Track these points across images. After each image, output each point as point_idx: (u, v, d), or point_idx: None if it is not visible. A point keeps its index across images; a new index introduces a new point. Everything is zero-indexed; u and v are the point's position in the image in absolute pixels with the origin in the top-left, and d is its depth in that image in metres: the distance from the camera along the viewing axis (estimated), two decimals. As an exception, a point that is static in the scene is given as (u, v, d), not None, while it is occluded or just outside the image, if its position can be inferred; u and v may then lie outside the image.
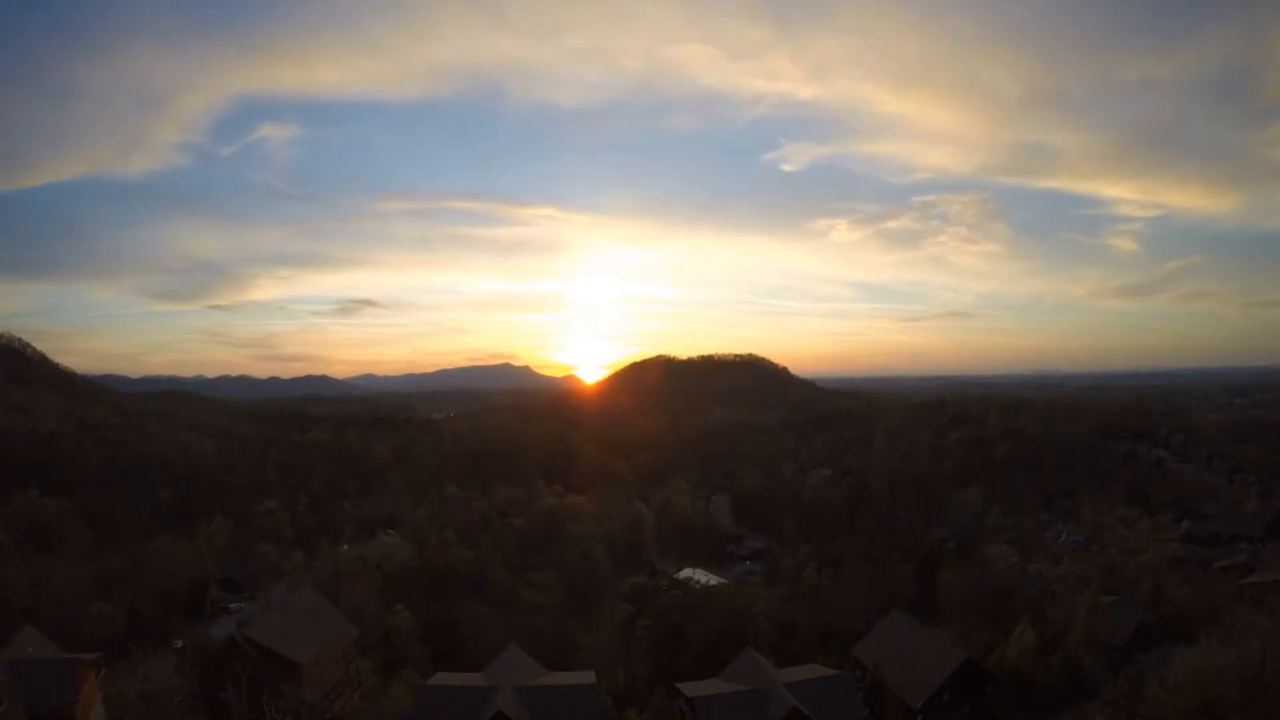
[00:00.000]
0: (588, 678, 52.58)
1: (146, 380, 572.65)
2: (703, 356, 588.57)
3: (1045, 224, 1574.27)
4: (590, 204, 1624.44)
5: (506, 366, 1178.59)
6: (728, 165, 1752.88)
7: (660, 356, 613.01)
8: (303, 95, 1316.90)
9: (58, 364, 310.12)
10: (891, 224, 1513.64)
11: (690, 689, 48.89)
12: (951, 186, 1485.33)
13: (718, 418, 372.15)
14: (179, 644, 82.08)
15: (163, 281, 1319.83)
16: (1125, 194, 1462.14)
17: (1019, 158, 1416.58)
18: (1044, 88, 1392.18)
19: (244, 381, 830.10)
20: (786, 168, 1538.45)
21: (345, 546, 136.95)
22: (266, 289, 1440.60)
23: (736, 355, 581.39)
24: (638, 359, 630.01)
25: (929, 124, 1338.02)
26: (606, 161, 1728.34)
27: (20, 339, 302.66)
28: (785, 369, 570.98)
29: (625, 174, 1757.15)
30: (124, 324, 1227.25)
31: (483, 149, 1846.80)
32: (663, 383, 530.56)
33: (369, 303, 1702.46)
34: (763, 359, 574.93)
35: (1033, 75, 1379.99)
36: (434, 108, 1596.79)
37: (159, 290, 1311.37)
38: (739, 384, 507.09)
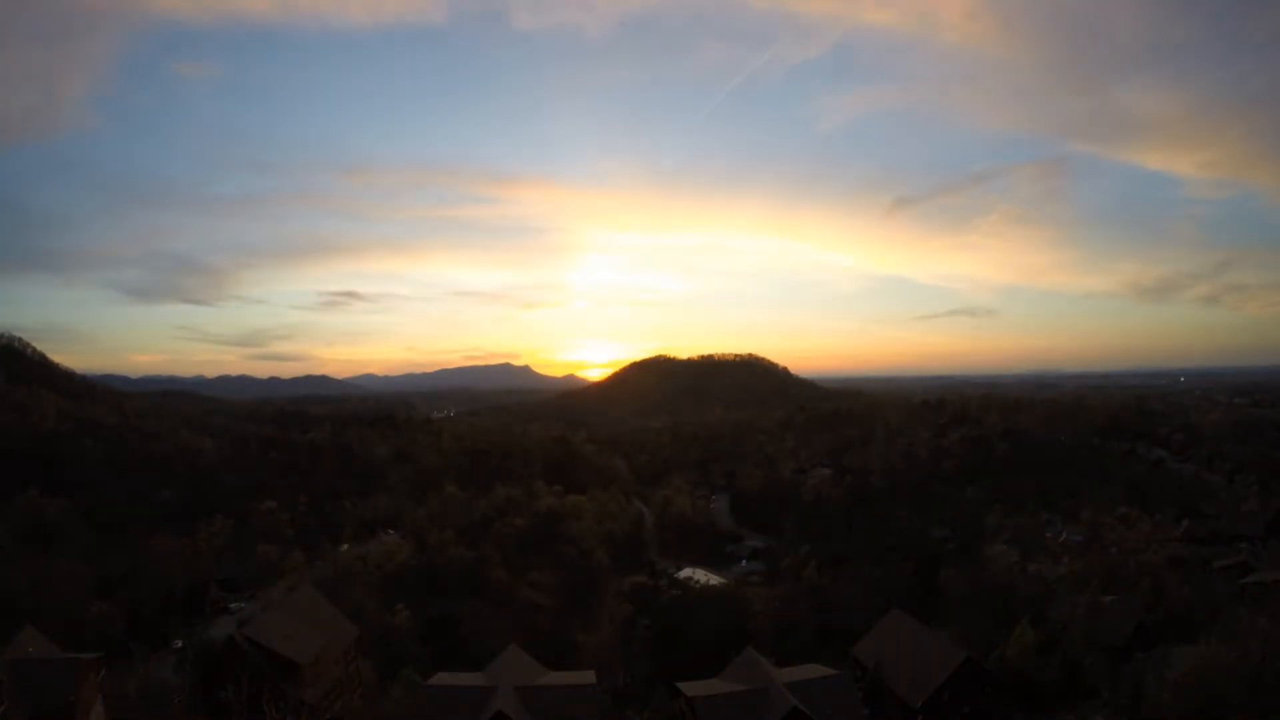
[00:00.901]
0: (588, 678, 52.58)
1: (146, 380, 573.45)
2: (703, 356, 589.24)
3: (1112, 204, 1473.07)
4: (592, 175, 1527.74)
5: (506, 366, 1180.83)
6: (759, 120, 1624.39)
7: (660, 356, 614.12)
8: (230, 22, 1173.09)
9: (58, 364, 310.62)
10: (943, 200, 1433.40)
11: (690, 689, 48.88)
12: (1019, 151, 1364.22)
13: (718, 418, 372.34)
14: (179, 644, 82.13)
15: (124, 274, 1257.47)
16: (1202, 173, 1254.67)
17: (1099, 121, 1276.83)
18: (1158, 38, 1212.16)
19: (244, 381, 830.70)
20: (825, 126, 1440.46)
21: (345, 546, 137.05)
22: (241, 283, 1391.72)
23: (736, 355, 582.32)
24: (638, 359, 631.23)
25: (1004, 69, 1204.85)
26: (614, 118, 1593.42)
27: (20, 339, 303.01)
28: (785, 369, 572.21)
29: (636, 136, 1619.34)
30: (94, 322, 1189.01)
31: (467, 98, 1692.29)
32: (663, 383, 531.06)
33: (353, 295, 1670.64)
34: (762, 359, 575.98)
35: (1144, 19, 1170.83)
36: (403, 38, 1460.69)
37: (120, 284, 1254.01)
38: (739, 384, 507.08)
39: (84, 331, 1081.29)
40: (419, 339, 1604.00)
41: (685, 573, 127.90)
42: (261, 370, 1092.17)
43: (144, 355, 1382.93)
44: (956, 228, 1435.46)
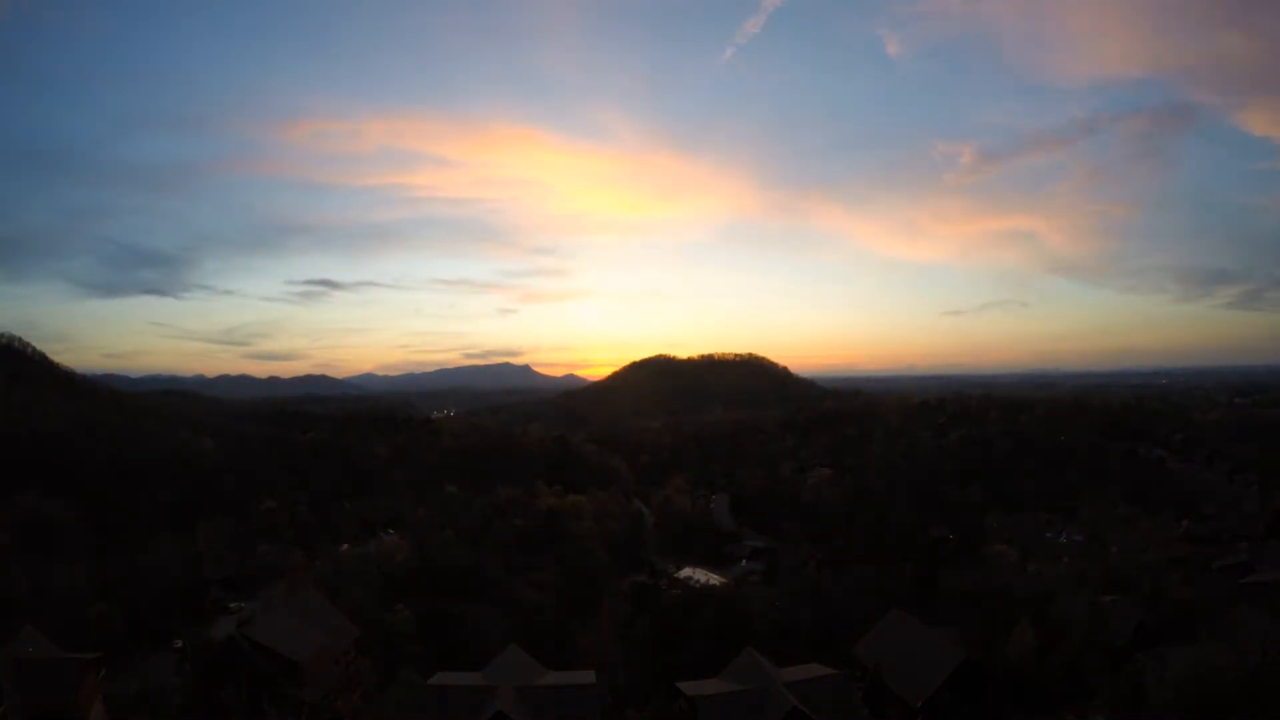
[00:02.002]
0: (588, 678, 52.62)
1: (146, 380, 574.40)
2: (702, 356, 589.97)
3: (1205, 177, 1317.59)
4: (590, 129, 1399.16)
5: (506, 366, 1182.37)
6: (805, 55, 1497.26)
7: (660, 356, 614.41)
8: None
9: (57, 364, 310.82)
10: (1019, 162, 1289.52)
11: (690, 689, 48.89)
12: (1113, 101, 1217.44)
13: (718, 418, 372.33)
14: (179, 644, 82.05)
15: (69, 264, 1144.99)
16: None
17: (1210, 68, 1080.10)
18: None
19: (244, 381, 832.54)
20: (890, 50, 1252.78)
21: (345, 546, 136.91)
22: (202, 272, 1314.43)
23: (736, 355, 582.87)
24: (637, 359, 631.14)
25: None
26: (617, 53, 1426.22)
27: (20, 339, 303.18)
28: (785, 369, 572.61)
29: (645, 77, 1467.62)
30: (57, 320, 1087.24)
31: (429, 22, 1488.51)
32: (663, 382, 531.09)
33: (329, 284, 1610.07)
34: (762, 359, 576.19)
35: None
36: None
37: (68, 274, 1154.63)
38: (739, 384, 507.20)
39: (53, 330, 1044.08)
40: (412, 336, 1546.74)
41: (685, 573, 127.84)
42: (254, 369, 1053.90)
43: (120, 355, 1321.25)
44: (1017, 197, 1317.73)
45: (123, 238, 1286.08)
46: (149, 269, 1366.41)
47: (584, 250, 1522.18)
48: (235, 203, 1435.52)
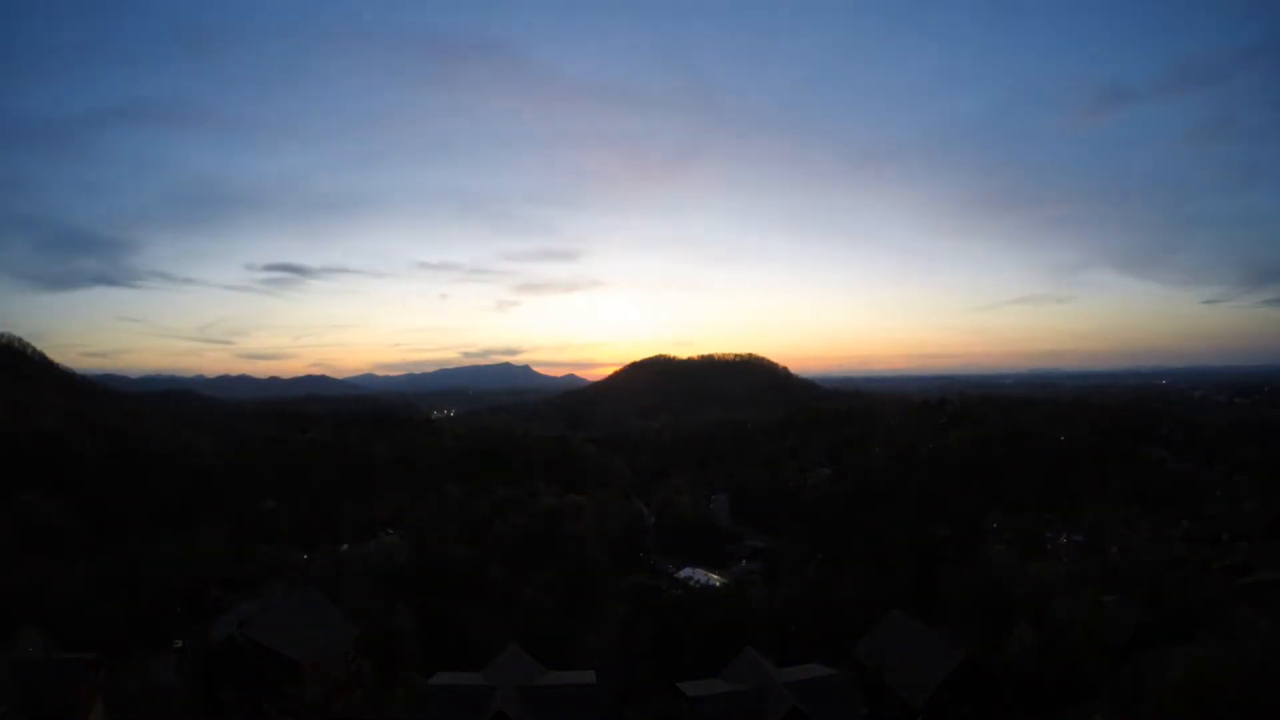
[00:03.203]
0: (588, 678, 52.60)
1: (146, 380, 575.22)
2: (702, 356, 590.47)
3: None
4: (598, 68, 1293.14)
5: (506, 366, 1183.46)
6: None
7: (660, 356, 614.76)
8: None
9: (57, 364, 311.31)
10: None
11: (690, 689, 48.88)
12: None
13: (718, 418, 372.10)
14: (179, 644, 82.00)
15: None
16: None
17: None
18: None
19: (244, 381, 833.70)
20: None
21: (345, 546, 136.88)
22: (150, 257, 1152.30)
23: (736, 355, 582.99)
24: (637, 359, 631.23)
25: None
26: None
27: (20, 339, 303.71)
28: (785, 369, 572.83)
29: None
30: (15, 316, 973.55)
31: None
32: (663, 383, 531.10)
33: (297, 270, 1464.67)
34: (762, 359, 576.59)
35: None
36: None
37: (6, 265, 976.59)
38: (739, 384, 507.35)
39: (26, 329, 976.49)
40: (404, 334, 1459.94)
41: (685, 573, 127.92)
42: (248, 368, 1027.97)
43: (104, 355, 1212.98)
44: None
45: (47, 215, 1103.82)
46: (90, 256, 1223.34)
47: (593, 211, 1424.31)
48: (159, 166, 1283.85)
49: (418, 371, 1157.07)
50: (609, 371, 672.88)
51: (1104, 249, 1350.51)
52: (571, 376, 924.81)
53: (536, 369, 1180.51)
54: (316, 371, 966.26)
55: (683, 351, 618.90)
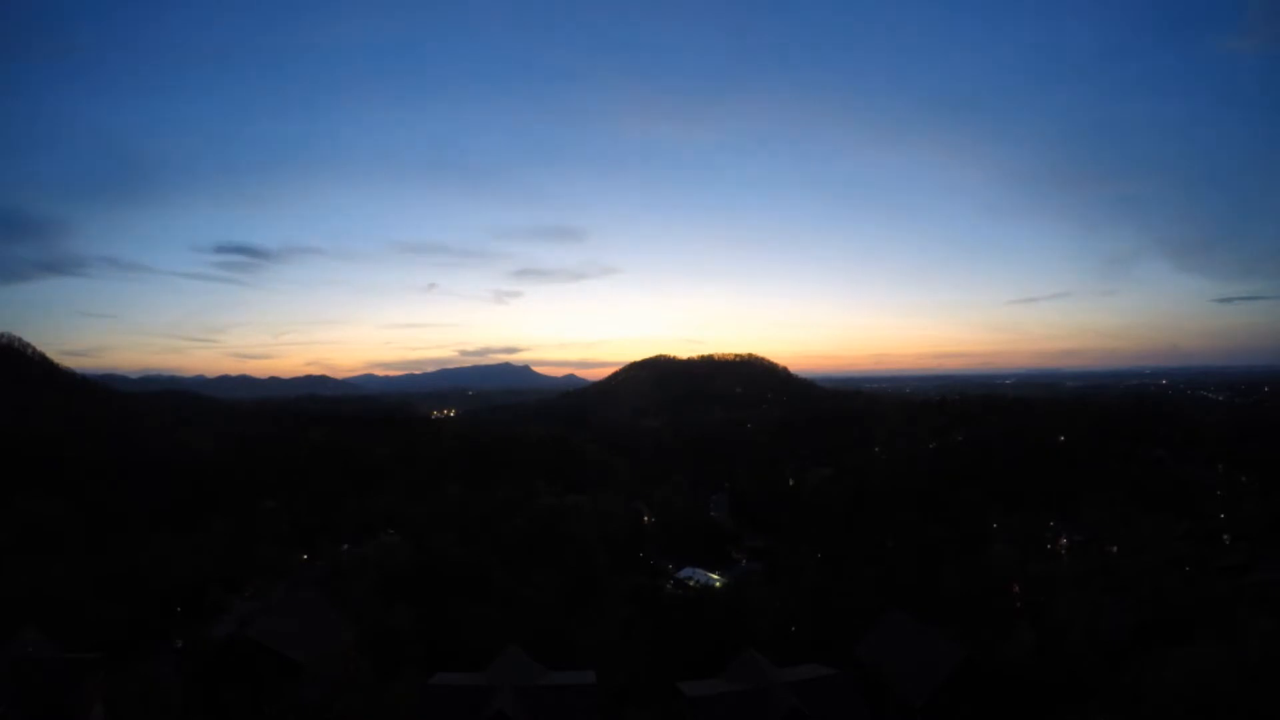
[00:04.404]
0: (588, 678, 52.57)
1: (146, 379, 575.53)
2: (702, 356, 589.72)
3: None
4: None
5: (506, 366, 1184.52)
6: None
7: (660, 356, 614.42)
8: None
9: (57, 364, 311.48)
10: None
11: (690, 689, 48.87)
12: None
13: (718, 418, 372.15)
14: (179, 644, 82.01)
15: None
16: None
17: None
18: None
19: (244, 381, 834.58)
20: None
21: (345, 546, 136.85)
22: (85, 238, 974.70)
23: (736, 355, 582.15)
24: (637, 359, 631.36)
25: None
26: None
27: (20, 339, 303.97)
28: (785, 369, 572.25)
29: None
30: None
31: None
32: (663, 382, 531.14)
33: (253, 253, 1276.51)
34: (762, 359, 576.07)
35: None
36: None
37: None
38: (739, 384, 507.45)
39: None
40: (395, 331, 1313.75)
41: (685, 573, 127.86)
42: (240, 368, 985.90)
43: (85, 355, 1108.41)
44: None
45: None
46: (22, 241, 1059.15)
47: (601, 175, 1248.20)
48: (71, 127, 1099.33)
49: (417, 371, 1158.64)
50: (609, 371, 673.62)
51: (1160, 235, 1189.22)
52: (572, 377, 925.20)
53: (536, 369, 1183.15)
54: (315, 372, 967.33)
55: (683, 351, 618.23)
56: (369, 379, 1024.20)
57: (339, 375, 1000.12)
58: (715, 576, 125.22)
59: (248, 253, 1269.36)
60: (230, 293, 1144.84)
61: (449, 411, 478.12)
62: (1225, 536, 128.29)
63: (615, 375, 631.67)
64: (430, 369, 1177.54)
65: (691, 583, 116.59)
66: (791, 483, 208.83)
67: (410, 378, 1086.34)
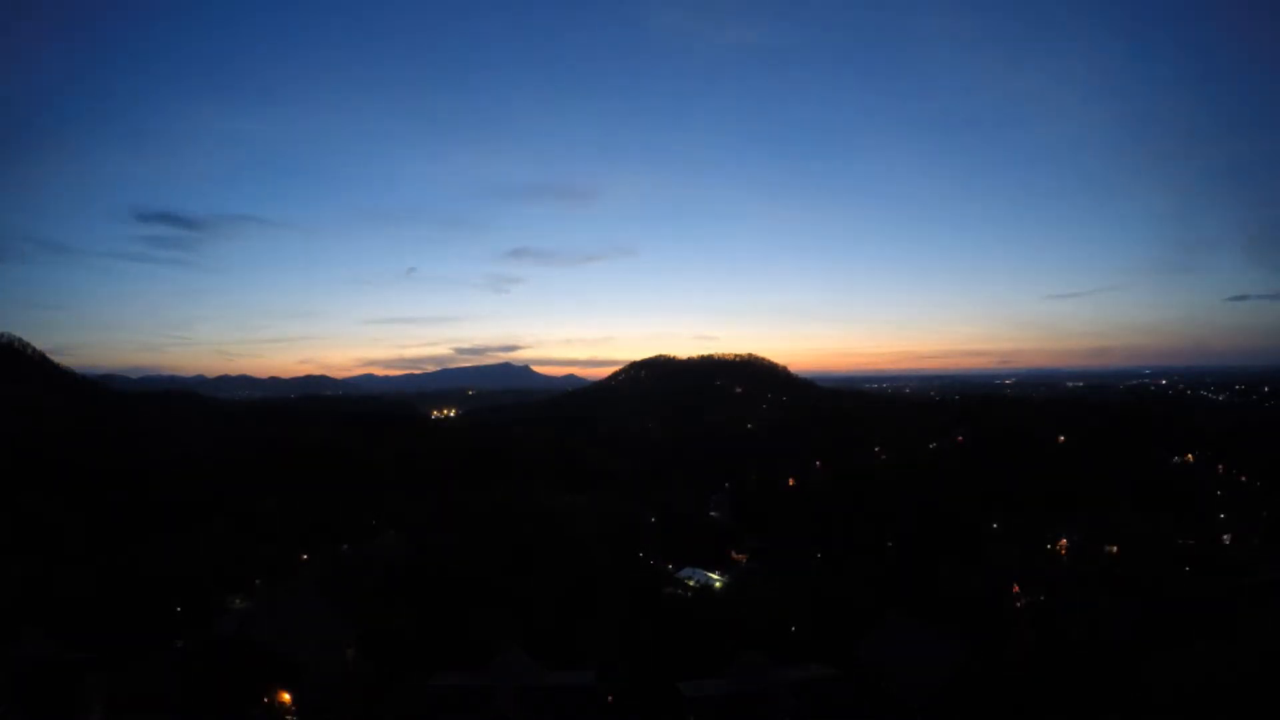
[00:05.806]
0: (588, 678, 52.59)
1: (146, 379, 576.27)
2: (702, 356, 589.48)
3: None
4: None
5: (507, 366, 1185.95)
6: None
7: (660, 356, 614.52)
8: None
9: (58, 364, 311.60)
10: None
11: (690, 689, 48.89)
12: None
13: (718, 417, 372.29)
14: (179, 644, 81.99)
15: None
16: None
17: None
18: None
19: (244, 381, 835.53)
20: None
21: (345, 546, 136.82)
22: None
23: (736, 355, 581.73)
24: (637, 359, 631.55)
25: None
26: None
27: (20, 339, 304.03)
28: (785, 369, 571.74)
29: None
30: None
31: None
32: (663, 383, 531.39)
33: (183, 224, 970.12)
34: (763, 359, 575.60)
35: None
36: None
37: None
38: (739, 384, 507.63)
39: None
40: (381, 328, 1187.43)
41: (685, 573, 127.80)
42: (252, 370, 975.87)
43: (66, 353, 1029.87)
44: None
45: None
46: None
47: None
48: None
49: (416, 371, 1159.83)
50: (611, 371, 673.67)
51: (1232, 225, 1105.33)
52: (572, 377, 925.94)
53: (537, 369, 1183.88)
54: (315, 372, 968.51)
55: (683, 351, 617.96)
56: (368, 379, 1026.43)
57: (337, 375, 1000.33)
58: (715, 576, 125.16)
59: (175, 222, 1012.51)
60: (152, 275, 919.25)
61: (449, 411, 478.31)
62: (1225, 536, 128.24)
63: (615, 375, 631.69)
64: (430, 368, 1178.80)
65: (691, 583, 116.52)
66: (791, 482, 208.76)
67: (409, 378, 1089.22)
